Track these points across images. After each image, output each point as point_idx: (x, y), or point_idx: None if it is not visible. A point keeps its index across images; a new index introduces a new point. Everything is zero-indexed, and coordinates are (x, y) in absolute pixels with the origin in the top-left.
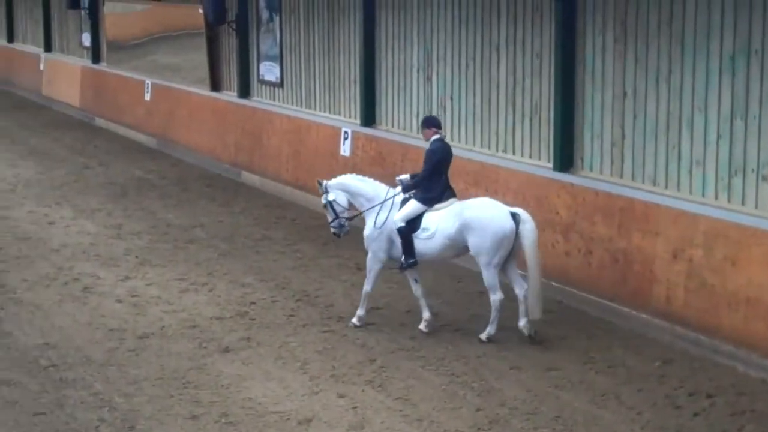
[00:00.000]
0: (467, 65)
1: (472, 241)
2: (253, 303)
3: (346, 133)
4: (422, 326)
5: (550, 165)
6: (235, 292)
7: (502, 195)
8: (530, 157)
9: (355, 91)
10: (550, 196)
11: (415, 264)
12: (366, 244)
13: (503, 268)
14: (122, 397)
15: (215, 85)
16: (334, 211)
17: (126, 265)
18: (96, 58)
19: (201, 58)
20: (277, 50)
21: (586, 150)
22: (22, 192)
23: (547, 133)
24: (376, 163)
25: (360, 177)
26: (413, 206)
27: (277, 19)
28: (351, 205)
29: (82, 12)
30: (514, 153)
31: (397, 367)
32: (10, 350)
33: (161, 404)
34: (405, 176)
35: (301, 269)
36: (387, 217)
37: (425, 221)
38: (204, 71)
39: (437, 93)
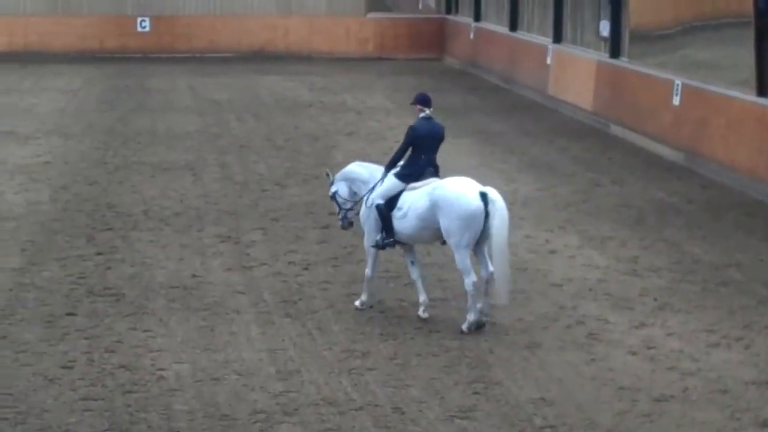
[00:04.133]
0: None
1: (442, 222)
2: None
3: None
4: (420, 312)
5: None
6: None
7: None
8: None
9: None
10: None
11: (392, 243)
12: (362, 227)
13: (475, 251)
14: None
15: (763, 89)
16: (338, 203)
17: (642, 308)
18: (615, 51)
19: (745, 54)
20: None
21: None
22: (519, 212)
23: None
24: None
25: (362, 163)
26: (390, 182)
27: None
28: (355, 195)
29: None
30: None
31: None
32: (499, 403)
33: None
34: None
35: None
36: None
37: (401, 200)
38: (748, 71)
39: None
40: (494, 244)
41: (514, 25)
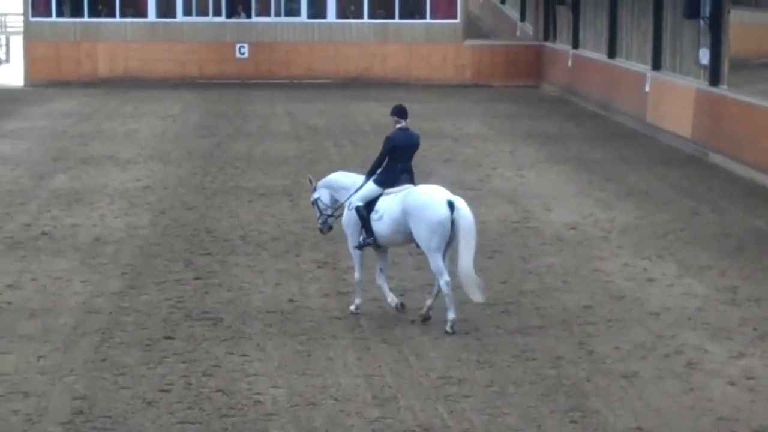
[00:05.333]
0: None
1: (413, 228)
2: None
3: None
4: (394, 303)
5: None
6: None
7: None
8: None
9: None
10: None
11: (372, 243)
12: (344, 231)
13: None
14: None
15: None
16: (319, 208)
17: (741, 338)
18: (715, 79)
19: None
20: None
21: None
22: (617, 240)
23: None
24: None
25: (345, 173)
26: (369, 188)
27: None
28: (336, 202)
29: (701, 22)
30: None
31: None
32: None
33: None
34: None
35: None
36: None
37: (378, 204)
38: None
39: None
40: (462, 248)
41: (612, 53)
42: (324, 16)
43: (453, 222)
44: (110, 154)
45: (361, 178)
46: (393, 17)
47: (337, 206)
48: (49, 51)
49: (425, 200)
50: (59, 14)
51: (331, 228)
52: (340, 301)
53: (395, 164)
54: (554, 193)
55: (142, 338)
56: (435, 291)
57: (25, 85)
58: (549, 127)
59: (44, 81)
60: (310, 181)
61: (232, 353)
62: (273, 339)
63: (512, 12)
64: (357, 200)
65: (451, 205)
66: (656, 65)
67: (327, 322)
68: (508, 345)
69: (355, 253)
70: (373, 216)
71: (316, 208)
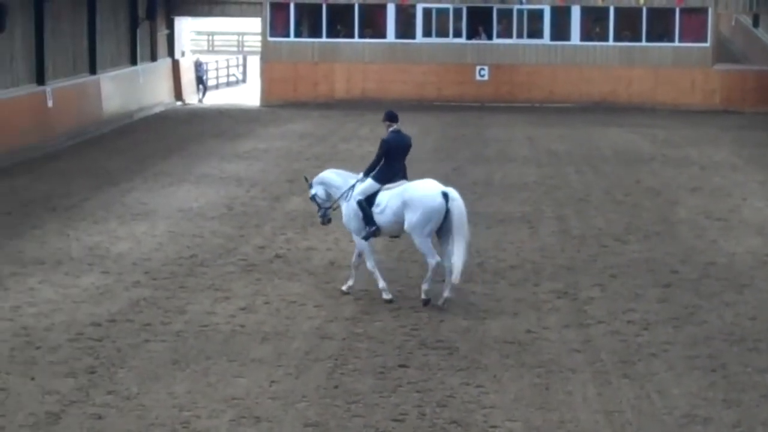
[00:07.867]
0: None
1: (408, 216)
2: None
3: None
4: (344, 287)
5: None
6: None
7: None
8: None
9: None
10: None
11: (377, 231)
12: (348, 227)
13: (442, 243)
14: None
15: None
16: (318, 203)
17: None
18: None
19: None
20: None
21: None
22: None
23: None
24: None
25: (337, 171)
26: (368, 183)
27: None
28: (330, 197)
29: None
30: None
31: None
32: None
33: None
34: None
35: None
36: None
37: (378, 198)
38: None
39: None
40: (455, 231)
41: None
42: (567, 39)
43: (448, 211)
44: None
45: (351, 176)
46: (639, 40)
47: (333, 201)
48: (287, 71)
49: (423, 192)
50: (297, 35)
51: (330, 220)
52: (580, 333)
53: (392, 164)
54: None
55: (375, 366)
56: (429, 276)
57: (261, 106)
58: None
59: (281, 101)
60: (306, 179)
61: (467, 384)
62: (509, 370)
63: (765, 36)
64: (358, 194)
65: (445, 196)
66: None
67: (566, 355)
68: (756, 384)
69: (364, 247)
70: (375, 210)
71: (314, 203)
